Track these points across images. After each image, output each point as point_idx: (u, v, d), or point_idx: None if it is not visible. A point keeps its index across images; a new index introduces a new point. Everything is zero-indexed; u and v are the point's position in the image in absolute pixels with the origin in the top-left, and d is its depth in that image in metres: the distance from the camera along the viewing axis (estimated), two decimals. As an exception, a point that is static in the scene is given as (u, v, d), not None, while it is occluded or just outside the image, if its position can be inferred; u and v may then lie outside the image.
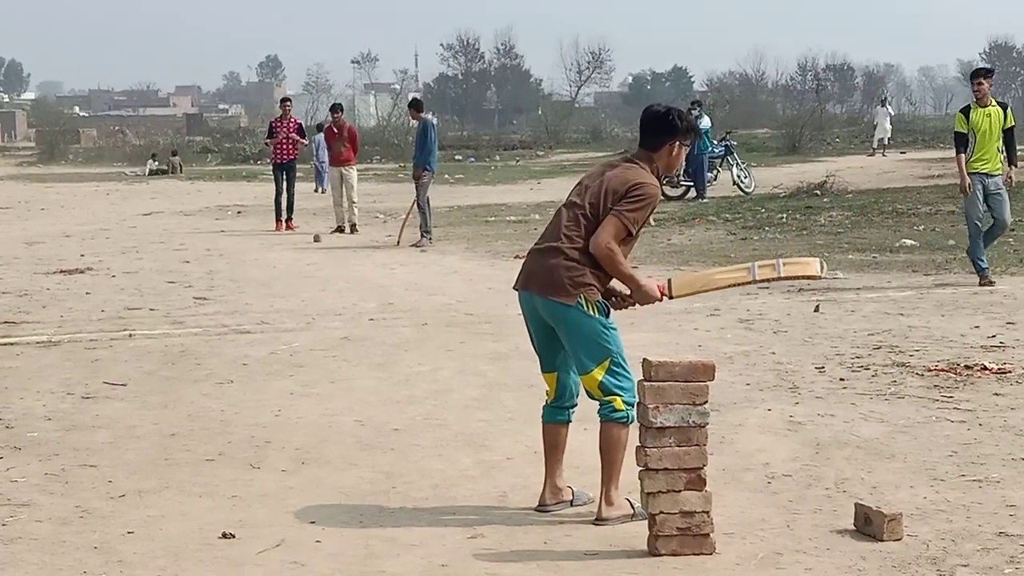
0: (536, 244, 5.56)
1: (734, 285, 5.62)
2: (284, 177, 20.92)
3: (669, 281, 5.50)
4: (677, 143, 5.45)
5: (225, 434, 6.98)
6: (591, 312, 5.29)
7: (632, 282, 5.39)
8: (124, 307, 11.93)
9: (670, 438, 4.86)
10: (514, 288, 5.59)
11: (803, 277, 5.61)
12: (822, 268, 5.43)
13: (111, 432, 7.05)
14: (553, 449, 5.61)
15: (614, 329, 5.36)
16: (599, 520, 5.36)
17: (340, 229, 20.01)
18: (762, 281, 5.54)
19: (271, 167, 22.26)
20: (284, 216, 20.90)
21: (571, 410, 5.62)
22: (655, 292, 5.40)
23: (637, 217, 5.29)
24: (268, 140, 22.38)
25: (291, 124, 21.24)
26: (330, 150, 20.95)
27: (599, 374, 5.29)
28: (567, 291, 5.28)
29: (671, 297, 5.48)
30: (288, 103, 22.15)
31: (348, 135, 20.39)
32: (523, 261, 5.60)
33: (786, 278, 5.53)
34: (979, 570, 4.71)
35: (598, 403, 5.36)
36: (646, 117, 5.51)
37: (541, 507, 5.56)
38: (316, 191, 24.36)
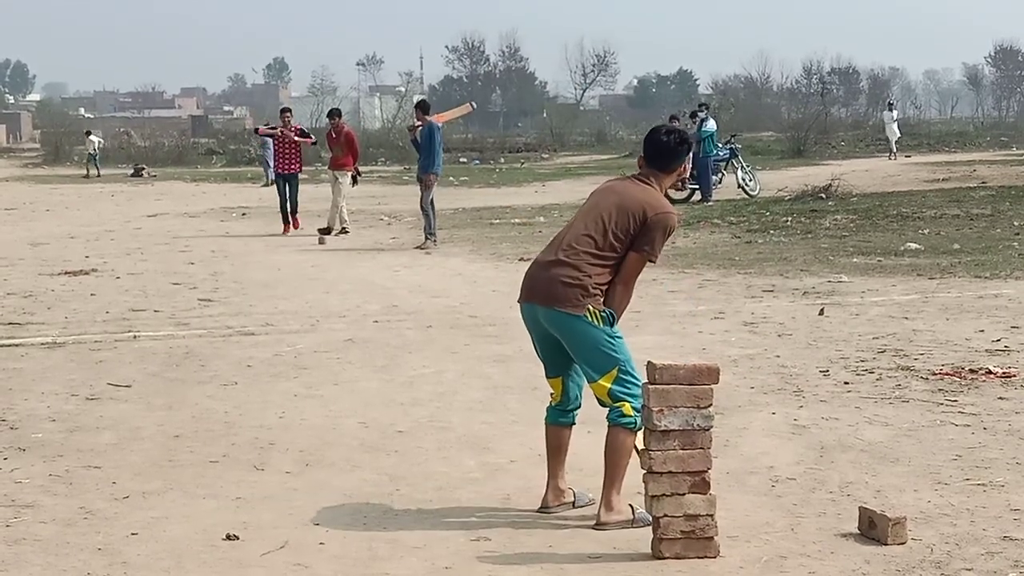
0: (539, 256, 5.58)
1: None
2: (287, 186, 21.19)
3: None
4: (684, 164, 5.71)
5: (229, 436, 6.99)
6: (596, 322, 5.29)
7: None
8: (128, 308, 11.94)
9: (674, 441, 4.86)
10: (518, 301, 5.59)
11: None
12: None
13: (115, 433, 7.05)
14: (556, 451, 5.62)
15: (620, 338, 5.36)
16: (598, 525, 5.32)
17: (328, 230, 20.10)
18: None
19: (275, 176, 23.01)
20: (290, 219, 21.16)
21: (575, 412, 5.64)
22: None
23: (659, 249, 5.41)
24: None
25: (293, 130, 21.40)
26: (330, 153, 21.16)
27: (607, 383, 5.29)
28: (573, 302, 5.28)
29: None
30: (288, 113, 22.36)
31: (345, 139, 20.52)
32: (526, 273, 5.61)
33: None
34: (983, 574, 4.70)
35: (607, 408, 5.36)
36: (662, 142, 5.53)
37: (543, 509, 5.56)
38: (264, 185, 24.64)
